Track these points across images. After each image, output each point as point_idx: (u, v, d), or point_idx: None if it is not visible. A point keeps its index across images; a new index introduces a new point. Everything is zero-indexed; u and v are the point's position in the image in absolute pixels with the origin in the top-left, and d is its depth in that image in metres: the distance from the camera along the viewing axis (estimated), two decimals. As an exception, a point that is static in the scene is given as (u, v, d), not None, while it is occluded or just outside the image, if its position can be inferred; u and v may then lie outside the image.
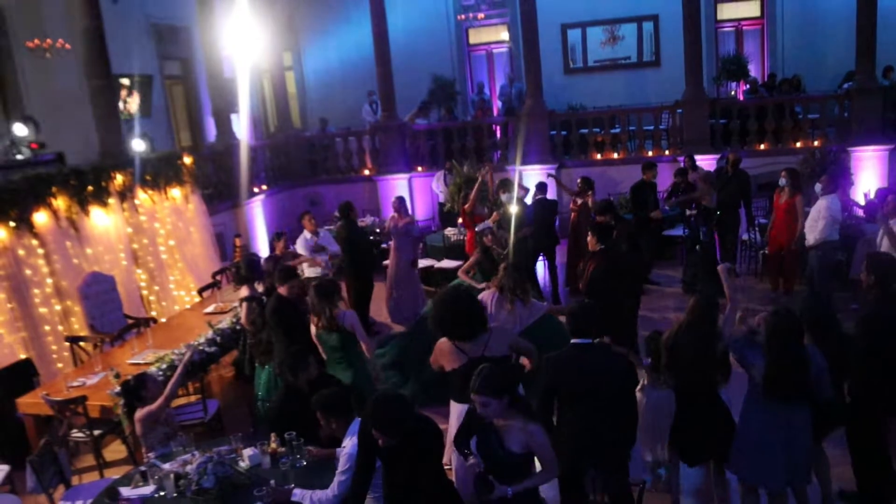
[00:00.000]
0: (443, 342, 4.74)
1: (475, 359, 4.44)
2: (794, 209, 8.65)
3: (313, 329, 5.76)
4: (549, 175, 11.29)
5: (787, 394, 4.21)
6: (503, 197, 9.23)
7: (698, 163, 11.64)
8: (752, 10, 15.86)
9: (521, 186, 10.32)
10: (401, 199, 9.57)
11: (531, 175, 12.61)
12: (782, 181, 8.83)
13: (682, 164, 10.71)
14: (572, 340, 4.33)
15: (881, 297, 4.88)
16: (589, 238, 6.69)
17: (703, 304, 4.69)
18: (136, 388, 5.11)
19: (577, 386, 4.22)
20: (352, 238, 8.91)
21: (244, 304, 6.59)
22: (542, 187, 9.92)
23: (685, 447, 4.86)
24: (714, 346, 4.61)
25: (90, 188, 8.28)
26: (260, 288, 6.89)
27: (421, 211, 13.65)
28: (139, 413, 5.02)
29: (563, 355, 4.36)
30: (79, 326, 7.72)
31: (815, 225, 8.01)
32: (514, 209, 8.52)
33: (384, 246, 9.85)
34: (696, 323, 4.68)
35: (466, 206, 9.20)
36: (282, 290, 6.15)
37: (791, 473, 4.34)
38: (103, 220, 8.44)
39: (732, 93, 14.90)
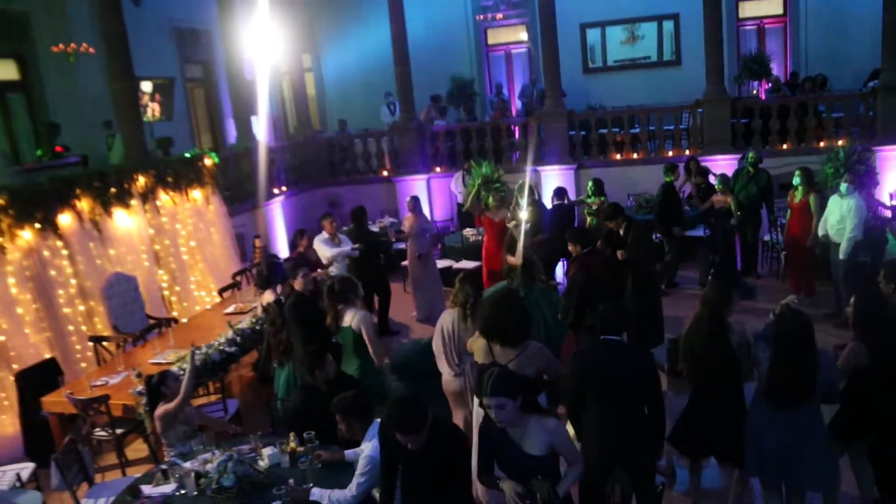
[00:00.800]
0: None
1: (499, 365, 4.38)
2: (808, 208, 8.57)
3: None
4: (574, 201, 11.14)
5: (785, 396, 4.16)
6: (521, 202, 9.15)
7: (720, 161, 11.58)
8: (775, 7, 15.68)
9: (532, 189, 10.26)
10: (415, 199, 9.61)
11: (550, 175, 12.60)
12: (796, 180, 8.74)
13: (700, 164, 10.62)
14: (602, 337, 4.32)
15: None
16: (570, 246, 6.68)
17: (714, 296, 4.67)
18: (158, 386, 5.17)
19: (606, 383, 4.19)
20: (362, 242, 8.96)
21: (270, 308, 6.65)
22: (560, 193, 9.85)
23: (686, 440, 4.86)
24: (725, 337, 4.58)
25: (113, 190, 8.38)
26: (279, 290, 6.94)
27: (439, 212, 13.66)
28: (158, 410, 5.08)
29: (592, 352, 4.35)
30: (102, 326, 7.82)
31: (844, 224, 7.91)
32: (524, 215, 8.41)
33: (402, 246, 9.86)
34: (707, 315, 4.66)
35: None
36: (296, 286, 6.23)
37: (789, 472, 4.28)
38: (126, 222, 8.54)
39: (754, 92, 14.74)
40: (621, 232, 7.46)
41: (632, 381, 4.16)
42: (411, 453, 3.70)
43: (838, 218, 8.02)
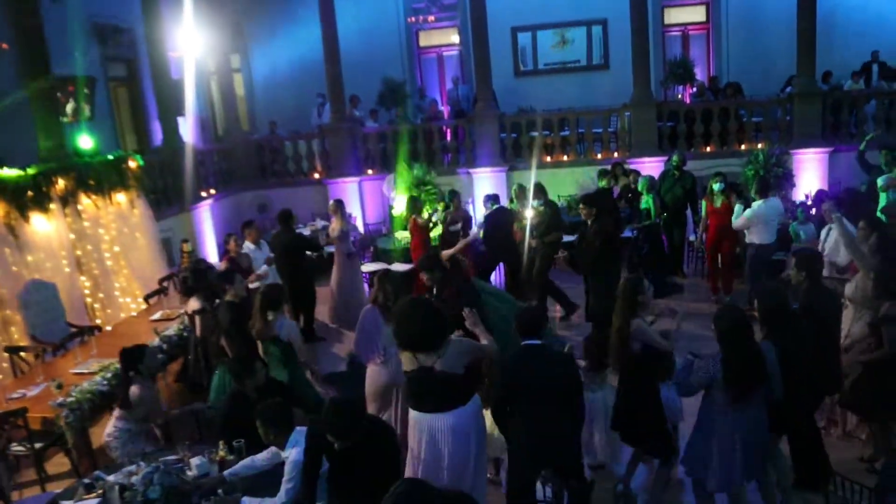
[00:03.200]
0: None
1: (426, 368, 4.33)
2: (729, 211, 8.88)
3: (254, 332, 5.74)
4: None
5: (750, 389, 4.25)
6: (533, 203, 9.02)
7: (647, 164, 11.88)
8: (698, 14, 16.20)
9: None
10: (338, 202, 9.52)
11: (481, 178, 12.70)
12: (717, 185, 9.02)
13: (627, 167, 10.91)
14: (523, 342, 4.36)
15: (810, 288, 5.06)
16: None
17: (626, 288, 4.92)
18: (138, 357, 5.00)
19: (530, 387, 4.25)
20: (290, 245, 8.86)
21: (198, 319, 6.50)
22: (495, 198, 9.83)
23: (621, 428, 5.09)
24: (627, 332, 4.80)
25: (30, 193, 8.05)
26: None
27: (372, 214, 13.60)
28: (133, 387, 4.93)
29: (515, 358, 4.39)
30: (18, 336, 7.50)
31: (754, 228, 8.23)
32: (528, 213, 8.55)
33: (332, 249, 9.72)
34: (620, 307, 4.89)
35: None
36: (228, 296, 6.12)
37: (748, 472, 4.42)
38: (44, 227, 8.21)
39: (679, 96, 15.18)
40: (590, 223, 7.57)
41: (554, 382, 4.25)
42: (341, 452, 3.73)
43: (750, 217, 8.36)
